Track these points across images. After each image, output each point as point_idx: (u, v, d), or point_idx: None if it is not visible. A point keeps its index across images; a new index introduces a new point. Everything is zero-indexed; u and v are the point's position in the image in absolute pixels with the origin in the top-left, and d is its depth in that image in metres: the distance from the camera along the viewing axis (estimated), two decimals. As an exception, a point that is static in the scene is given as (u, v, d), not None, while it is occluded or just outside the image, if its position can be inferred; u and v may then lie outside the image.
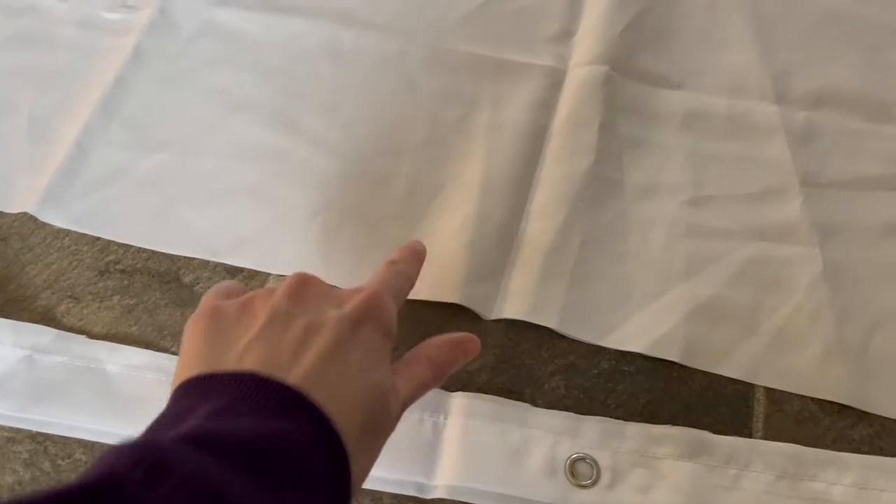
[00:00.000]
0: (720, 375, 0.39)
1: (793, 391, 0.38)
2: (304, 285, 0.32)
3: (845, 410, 0.38)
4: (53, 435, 0.39)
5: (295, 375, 0.27)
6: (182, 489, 0.21)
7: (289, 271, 0.41)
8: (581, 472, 0.35)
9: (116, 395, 0.39)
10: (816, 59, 0.48)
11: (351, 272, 0.42)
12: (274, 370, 0.27)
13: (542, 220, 0.43)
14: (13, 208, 0.45)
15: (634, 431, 0.36)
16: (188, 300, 0.42)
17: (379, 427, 0.29)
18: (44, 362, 0.40)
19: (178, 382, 0.29)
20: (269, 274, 0.43)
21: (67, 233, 0.44)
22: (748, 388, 0.38)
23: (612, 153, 0.45)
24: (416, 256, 0.38)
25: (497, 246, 0.42)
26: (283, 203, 0.45)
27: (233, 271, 0.43)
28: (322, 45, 0.50)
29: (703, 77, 0.48)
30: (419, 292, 0.41)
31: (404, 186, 0.45)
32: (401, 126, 0.47)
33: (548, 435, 0.36)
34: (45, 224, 0.45)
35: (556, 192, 0.43)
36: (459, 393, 0.38)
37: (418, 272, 0.37)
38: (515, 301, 0.40)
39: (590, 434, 0.36)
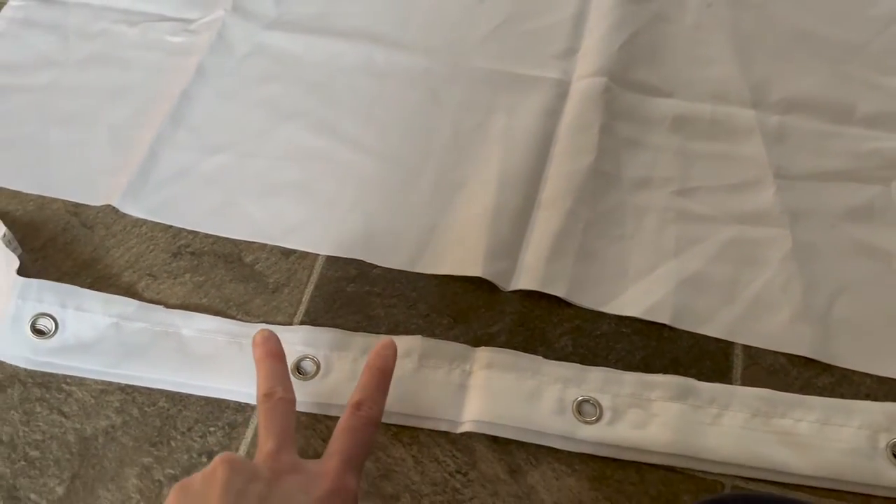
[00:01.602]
0: (704, 336, 0.45)
1: (766, 348, 0.45)
2: (282, 469, 0.35)
3: (811, 364, 0.44)
4: (139, 387, 0.46)
5: None
6: None
7: (334, 252, 0.49)
8: (586, 411, 0.42)
9: (191, 354, 0.46)
10: (788, 71, 0.55)
11: (387, 252, 0.49)
12: None
13: (550, 209, 0.50)
14: (98, 202, 0.53)
15: (631, 378, 0.43)
16: (249, 276, 0.49)
17: None
18: (129, 328, 0.47)
19: None
20: (318, 255, 0.50)
21: (144, 222, 0.52)
22: (728, 345, 0.45)
23: (611, 152, 0.52)
24: (383, 376, 0.40)
25: (513, 229, 0.49)
26: (327, 196, 0.52)
27: (287, 252, 0.50)
28: (358, 62, 0.58)
29: (690, 87, 0.55)
30: (447, 268, 0.48)
31: (431, 182, 0.52)
32: (427, 131, 0.55)
33: (557, 381, 0.43)
34: (125, 215, 0.52)
35: (562, 185, 0.51)
36: (482, 347, 0.45)
37: (385, 395, 0.40)
38: (529, 274, 0.47)
39: (593, 381, 0.43)
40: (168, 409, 0.45)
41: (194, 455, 0.43)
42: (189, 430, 0.44)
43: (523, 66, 0.57)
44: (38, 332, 0.46)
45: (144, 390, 0.46)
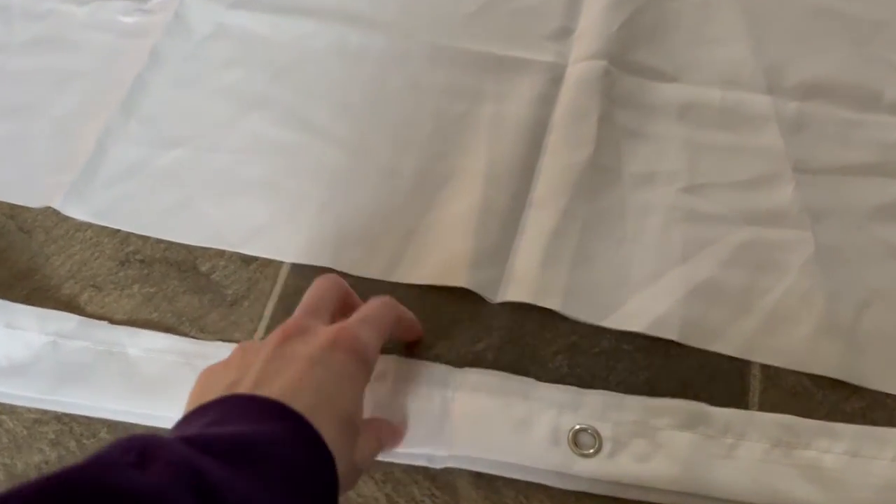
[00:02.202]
0: (716, 353, 0.40)
1: (786, 367, 0.40)
2: (289, 333, 0.33)
3: (838, 385, 0.39)
4: (78, 416, 0.40)
5: (275, 391, 0.29)
6: (167, 471, 0.23)
7: (301, 260, 0.44)
8: (583, 442, 0.37)
9: (138, 376, 0.41)
10: (806, 52, 0.50)
11: (361, 260, 0.44)
12: (258, 389, 0.29)
13: (543, 208, 0.44)
14: (38, 203, 0.47)
15: (634, 403, 0.38)
16: (205, 287, 0.44)
17: (350, 453, 0.31)
18: (68, 347, 0.41)
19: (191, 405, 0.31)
20: (282, 262, 0.44)
21: (89, 226, 0.46)
22: (744, 364, 0.40)
23: (611, 144, 0.46)
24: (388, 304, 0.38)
25: (501, 232, 0.44)
26: (295, 195, 0.47)
27: (247, 260, 0.45)
28: (330, 44, 0.52)
29: (698, 70, 0.49)
30: (427, 277, 0.43)
31: (411, 178, 0.47)
32: (407, 121, 0.49)
33: (551, 407, 0.38)
34: (67, 218, 0.47)
35: (557, 180, 0.45)
36: (467, 369, 0.40)
37: (395, 311, 0.37)
38: (519, 284, 0.42)
39: (591, 406, 0.38)
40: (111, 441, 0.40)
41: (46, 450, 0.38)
42: (134, 464, 0.39)
43: (513, 48, 0.51)
44: None
45: (83, 419, 0.40)
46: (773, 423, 0.37)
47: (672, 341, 0.40)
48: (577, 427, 0.37)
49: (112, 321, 0.43)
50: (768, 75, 0.49)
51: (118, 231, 0.46)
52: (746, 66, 0.49)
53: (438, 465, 0.37)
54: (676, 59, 0.50)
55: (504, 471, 0.37)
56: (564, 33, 0.52)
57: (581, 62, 0.50)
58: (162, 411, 0.39)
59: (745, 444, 0.37)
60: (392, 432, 0.37)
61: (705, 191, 0.45)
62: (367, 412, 0.36)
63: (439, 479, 0.38)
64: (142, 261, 0.45)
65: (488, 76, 0.50)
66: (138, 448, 0.24)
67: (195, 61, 0.52)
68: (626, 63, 0.49)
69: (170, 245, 0.46)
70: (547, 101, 0.49)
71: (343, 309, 0.37)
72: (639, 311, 0.41)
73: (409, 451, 0.37)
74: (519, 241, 0.44)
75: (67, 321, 0.42)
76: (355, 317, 0.35)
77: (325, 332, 0.33)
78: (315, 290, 0.37)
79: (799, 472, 0.36)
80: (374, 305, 0.36)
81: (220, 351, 0.41)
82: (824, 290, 0.41)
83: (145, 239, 0.46)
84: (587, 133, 0.46)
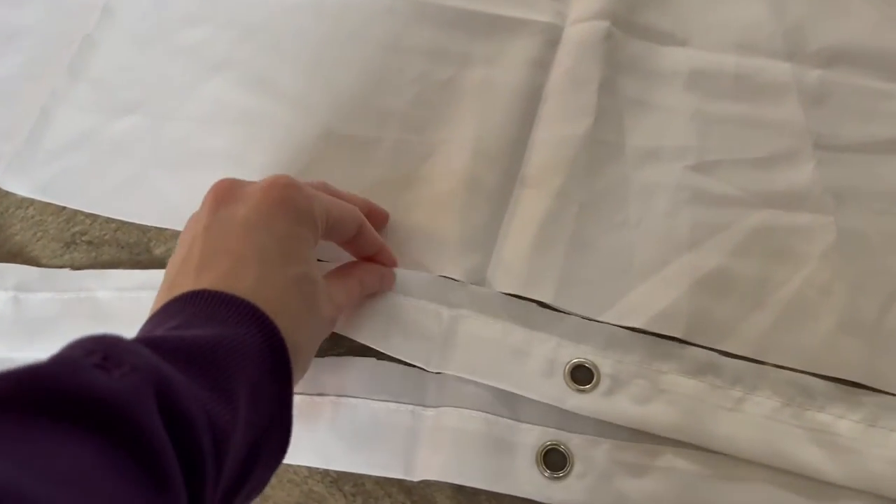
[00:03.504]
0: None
1: (803, 368, 0.36)
2: (221, 195, 0.31)
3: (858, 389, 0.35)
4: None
5: (219, 273, 0.27)
6: (132, 375, 0.22)
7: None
8: (580, 377, 0.35)
9: (112, 320, 0.38)
10: (830, 13, 0.45)
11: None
12: (203, 272, 0.28)
13: (536, 186, 0.40)
14: (-26, 176, 0.43)
15: (640, 343, 0.36)
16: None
17: (308, 315, 0.29)
18: (30, 300, 0.38)
19: (157, 301, 0.29)
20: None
21: (31, 202, 0.42)
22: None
23: (612, 114, 0.42)
24: (364, 202, 0.38)
25: (489, 213, 0.40)
26: (261, 169, 0.42)
27: (207, 242, 0.40)
28: (309, 2, 0.47)
29: (710, 33, 0.44)
30: (405, 263, 0.38)
31: (391, 151, 0.42)
32: (387, 86, 0.44)
33: (551, 337, 0.36)
34: (7, 193, 0.42)
35: (551, 155, 0.41)
36: (473, 286, 0.37)
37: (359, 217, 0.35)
38: (508, 272, 0.38)
39: (594, 340, 0.36)
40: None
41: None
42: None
43: (505, 5, 0.46)
44: None
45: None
46: (788, 381, 0.35)
47: (677, 339, 0.36)
48: (575, 361, 0.35)
49: (56, 307, 0.39)
50: (788, 40, 0.44)
51: (64, 209, 0.42)
52: (764, 30, 0.44)
53: (415, 478, 0.33)
54: (687, 21, 0.45)
55: (486, 483, 0.33)
56: (562, -10, 0.46)
57: (581, 23, 0.44)
58: None
59: (754, 399, 0.34)
60: (378, 275, 0.36)
61: (716, 169, 0.40)
62: (367, 317, 0.35)
63: (415, 493, 0.34)
64: (89, 242, 0.41)
65: (477, 37, 0.45)
66: (103, 349, 0.22)
67: (152, 18, 0.47)
68: (630, 25, 0.44)
69: (121, 225, 0.41)
70: (542, 65, 0.44)
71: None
72: (640, 305, 0.37)
73: (382, 453, 0.34)
74: (508, 223, 0.39)
75: (27, 273, 0.39)
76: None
77: (258, 187, 0.30)
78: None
79: (808, 436, 0.34)
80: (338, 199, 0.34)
81: None
82: (846, 281, 0.37)
83: (94, 218, 0.41)
84: (586, 102, 0.42)
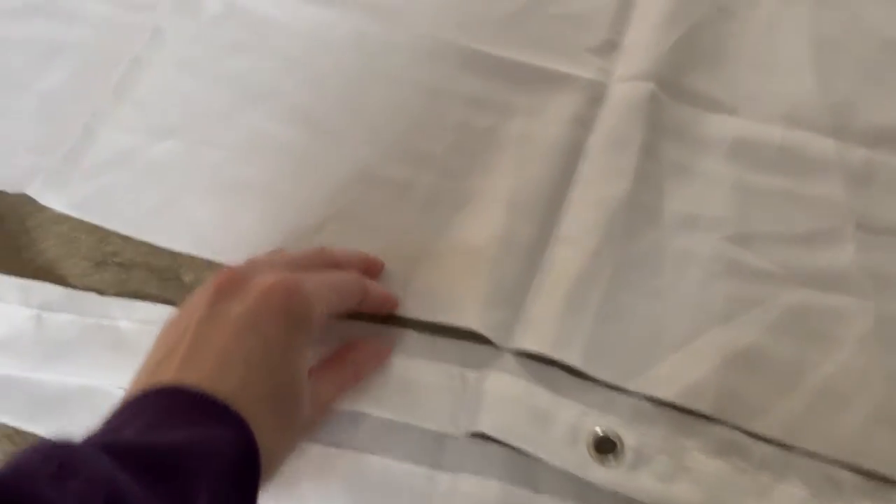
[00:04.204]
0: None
1: (833, 457, 0.35)
2: (222, 287, 0.30)
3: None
4: (31, 436, 0.36)
5: (203, 370, 0.27)
6: (85, 489, 0.22)
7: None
8: (604, 448, 0.34)
9: (130, 351, 0.37)
10: (880, 91, 0.44)
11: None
12: (186, 366, 0.27)
13: (571, 245, 0.39)
14: (13, 188, 0.43)
15: (666, 416, 0.35)
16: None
17: (289, 423, 0.29)
18: (53, 321, 0.38)
19: (136, 382, 0.29)
20: (275, 280, 0.40)
21: (67, 218, 0.42)
22: (783, 448, 0.35)
23: (652, 178, 0.41)
24: (360, 258, 0.38)
25: (520, 269, 0.39)
26: (295, 203, 0.42)
27: (236, 274, 0.40)
28: (350, 37, 0.47)
29: (756, 103, 0.44)
30: (432, 312, 0.38)
31: (424, 196, 0.42)
32: (426, 131, 0.44)
33: (576, 404, 0.35)
34: (43, 208, 0.42)
35: (588, 215, 0.40)
36: (500, 349, 0.37)
37: (359, 285, 0.35)
38: (536, 332, 0.37)
39: (620, 411, 0.35)
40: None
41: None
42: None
43: (550, 58, 0.46)
44: None
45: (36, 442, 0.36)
46: (817, 470, 0.34)
47: (704, 415, 0.36)
48: (600, 431, 0.34)
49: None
50: (835, 115, 0.43)
51: (97, 228, 0.42)
52: (811, 103, 0.44)
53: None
54: (733, 89, 0.44)
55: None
56: (609, 47, 0.46)
57: (625, 82, 0.44)
58: None
59: (782, 487, 0.33)
60: (374, 356, 0.36)
61: (754, 242, 0.40)
62: (385, 386, 0.36)
63: None
64: (120, 264, 0.41)
65: (520, 88, 0.45)
66: (59, 458, 0.23)
67: (199, 43, 0.47)
68: (676, 88, 0.44)
69: (153, 249, 0.41)
70: (584, 122, 0.44)
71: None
72: (669, 376, 0.36)
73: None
74: (540, 281, 0.39)
75: (52, 292, 0.39)
76: (306, 273, 0.32)
77: (259, 285, 0.30)
78: (284, 251, 0.35)
79: None
80: (337, 273, 0.35)
81: None
82: (883, 370, 0.36)
83: (127, 240, 0.41)
84: (626, 164, 0.41)
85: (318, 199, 0.42)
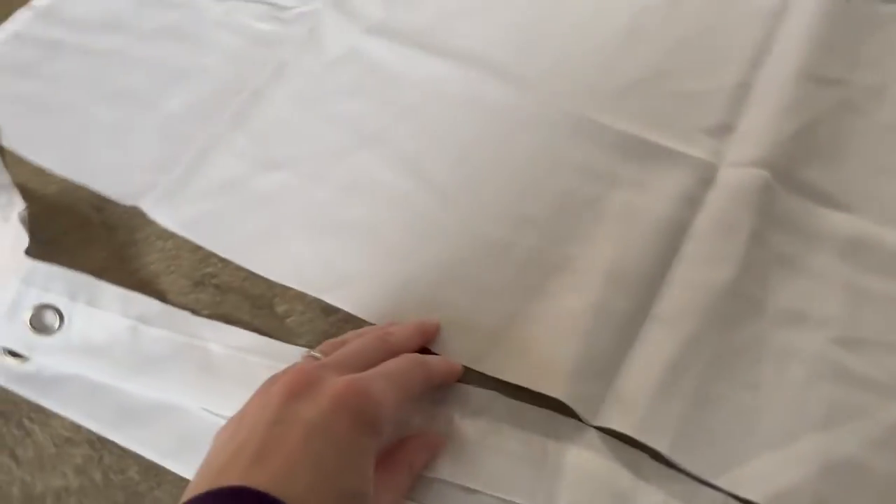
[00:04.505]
0: (848, 551, 0.33)
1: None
2: (294, 388, 0.30)
3: None
4: (112, 444, 0.37)
5: (270, 472, 0.27)
6: None
7: (383, 321, 0.39)
8: None
9: (217, 375, 0.38)
10: None
11: (450, 338, 0.39)
12: (255, 467, 0.27)
13: (668, 327, 0.38)
14: (127, 200, 0.44)
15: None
16: (276, 330, 0.40)
17: None
18: (148, 334, 0.39)
19: (202, 478, 0.28)
20: (366, 322, 0.40)
21: (172, 236, 0.43)
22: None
23: (759, 268, 0.40)
24: (419, 334, 0.37)
25: (613, 343, 0.38)
26: (393, 250, 0.42)
27: (328, 310, 0.40)
28: (464, 92, 0.48)
29: (875, 203, 0.42)
30: (519, 376, 0.37)
31: (522, 259, 0.42)
32: (531, 193, 0.44)
33: (659, 491, 0.34)
34: (152, 222, 0.44)
35: (689, 298, 0.39)
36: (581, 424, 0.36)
37: (423, 368, 0.35)
38: (624, 411, 0.36)
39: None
40: (137, 484, 0.36)
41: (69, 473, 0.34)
42: (154, 517, 0.35)
43: (663, 134, 0.45)
44: (39, 328, 0.39)
45: (117, 451, 0.37)
46: None
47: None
48: None
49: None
50: (959, 226, 0.42)
51: (200, 248, 0.43)
52: (933, 211, 0.42)
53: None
54: (852, 187, 0.43)
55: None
56: (725, 130, 0.46)
57: (738, 167, 0.43)
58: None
59: None
60: (429, 451, 0.35)
61: (863, 348, 0.38)
62: (457, 448, 0.35)
63: None
64: (217, 286, 0.41)
65: (630, 161, 0.45)
66: None
67: (319, 83, 0.49)
68: (791, 179, 0.43)
69: (250, 276, 0.42)
70: (691, 202, 0.43)
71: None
72: (760, 477, 0.35)
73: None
74: (632, 358, 0.38)
75: (151, 306, 0.40)
76: (373, 370, 0.32)
77: (331, 389, 0.29)
78: (355, 345, 0.34)
79: None
80: (400, 361, 0.34)
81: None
82: None
83: (226, 263, 0.42)
84: (733, 251, 0.40)
85: (415, 247, 0.42)
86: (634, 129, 0.46)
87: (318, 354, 0.33)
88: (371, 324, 0.40)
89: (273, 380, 0.31)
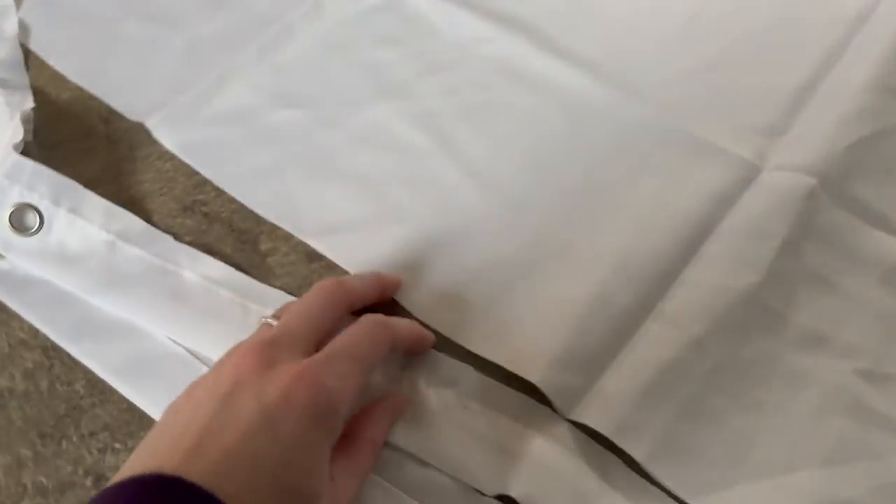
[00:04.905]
0: None
1: None
2: (243, 376, 0.27)
3: None
4: (65, 354, 0.35)
5: (208, 464, 0.25)
6: None
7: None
8: None
9: (185, 303, 0.36)
10: None
11: (434, 304, 0.36)
12: (192, 458, 0.25)
13: (672, 326, 0.35)
14: (133, 116, 0.43)
15: None
16: (255, 267, 0.38)
17: None
18: (125, 252, 0.38)
19: (140, 457, 0.26)
20: (347, 272, 0.37)
21: (172, 158, 0.42)
22: None
23: (786, 281, 0.36)
24: (377, 285, 0.35)
25: (607, 336, 0.35)
26: (392, 206, 0.40)
27: (312, 256, 0.38)
28: (502, 56, 0.45)
29: (930, 231, 0.38)
30: (499, 355, 0.34)
31: (530, 234, 0.38)
32: (547, 171, 0.41)
33: (626, 501, 0.31)
34: (156, 142, 0.42)
35: (700, 299, 0.35)
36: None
37: (386, 333, 0.32)
38: (605, 410, 0.32)
39: None
40: (81, 398, 0.34)
41: (79, 471, 0.32)
42: (91, 435, 0.33)
43: (706, 127, 0.41)
44: (18, 227, 0.38)
45: (69, 362, 0.35)
46: None
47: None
48: None
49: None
50: None
51: (197, 174, 0.41)
52: None
53: None
54: (906, 209, 0.38)
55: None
56: (776, 131, 0.41)
57: (783, 171, 0.39)
58: (199, 347, 0.35)
59: None
60: (390, 415, 0.32)
61: (889, 385, 0.34)
62: (414, 421, 0.33)
63: None
64: (205, 214, 0.40)
65: (665, 149, 0.41)
66: None
67: (353, 26, 0.47)
68: (841, 192, 0.38)
69: (241, 209, 0.40)
70: (724, 201, 0.39)
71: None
72: (747, 505, 0.31)
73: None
74: (625, 356, 0.34)
75: (133, 224, 0.38)
76: (331, 347, 0.29)
77: (281, 379, 0.27)
78: (310, 303, 0.31)
79: None
80: (361, 330, 0.31)
81: (280, 298, 0.36)
82: None
83: (219, 193, 0.40)
84: (760, 257, 0.36)
85: (416, 208, 0.39)
86: (674, 118, 0.42)
87: (273, 321, 0.31)
88: (349, 273, 0.37)
89: (230, 353, 0.29)
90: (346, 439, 0.30)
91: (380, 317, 0.32)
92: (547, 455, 0.32)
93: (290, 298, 0.36)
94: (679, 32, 0.46)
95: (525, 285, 0.37)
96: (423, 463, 0.32)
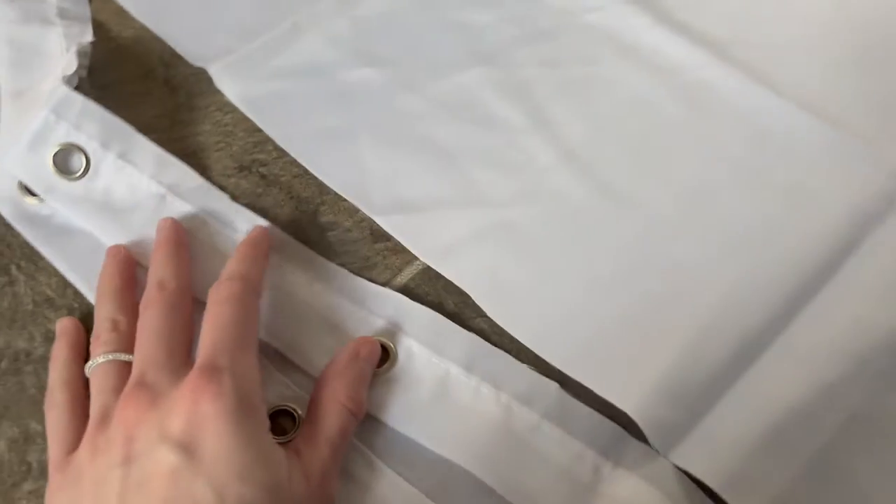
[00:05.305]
0: None
1: None
2: (126, 440, 0.24)
3: None
4: (91, 320, 0.31)
5: None
6: None
7: (444, 270, 0.32)
8: None
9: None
10: None
11: (521, 307, 0.31)
12: None
13: (798, 363, 0.29)
14: (196, 61, 0.39)
15: None
16: (314, 241, 0.33)
17: None
18: (176, 207, 0.33)
19: None
20: (417, 260, 0.32)
21: (233, 110, 0.37)
22: None
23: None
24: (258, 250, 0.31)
25: (719, 368, 0.29)
26: (472, 188, 0.34)
27: (378, 235, 0.33)
28: (611, 30, 0.39)
29: None
30: (590, 377, 0.29)
31: (630, 237, 0.33)
32: (663, 159, 0.35)
33: None
34: (217, 93, 0.38)
35: (835, 333, 0.29)
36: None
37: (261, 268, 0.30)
38: (712, 453, 0.27)
39: None
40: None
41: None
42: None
43: (852, 126, 0.35)
44: (63, 169, 0.34)
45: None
46: None
47: None
48: None
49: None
50: None
51: (259, 131, 0.36)
52: None
53: None
54: None
55: None
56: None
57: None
58: None
59: None
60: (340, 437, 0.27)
61: None
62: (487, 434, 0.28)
63: None
64: (263, 176, 0.35)
65: (800, 151, 0.35)
66: None
67: (449, -18, 0.42)
68: None
69: (304, 174, 0.35)
70: (870, 214, 0.32)
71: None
72: None
73: None
74: (738, 394, 0.28)
75: (188, 178, 0.34)
76: (203, 346, 0.26)
77: (177, 404, 0.24)
78: (152, 322, 0.28)
79: None
80: (221, 312, 0.27)
81: (345, 278, 0.32)
82: None
83: (281, 154, 0.36)
84: (914, 291, 0.30)
85: (503, 192, 0.34)
86: (817, 114, 0.35)
87: (125, 357, 0.28)
88: (419, 262, 0.32)
89: (88, 438, 0.25)
90: (313, 408, 0.27)
91: (222, 290, 0.28)
92: (641, 499, 0.26)
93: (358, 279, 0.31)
94: (825, 19, 0.39)
95: (622, 298, 0.31)
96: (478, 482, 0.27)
